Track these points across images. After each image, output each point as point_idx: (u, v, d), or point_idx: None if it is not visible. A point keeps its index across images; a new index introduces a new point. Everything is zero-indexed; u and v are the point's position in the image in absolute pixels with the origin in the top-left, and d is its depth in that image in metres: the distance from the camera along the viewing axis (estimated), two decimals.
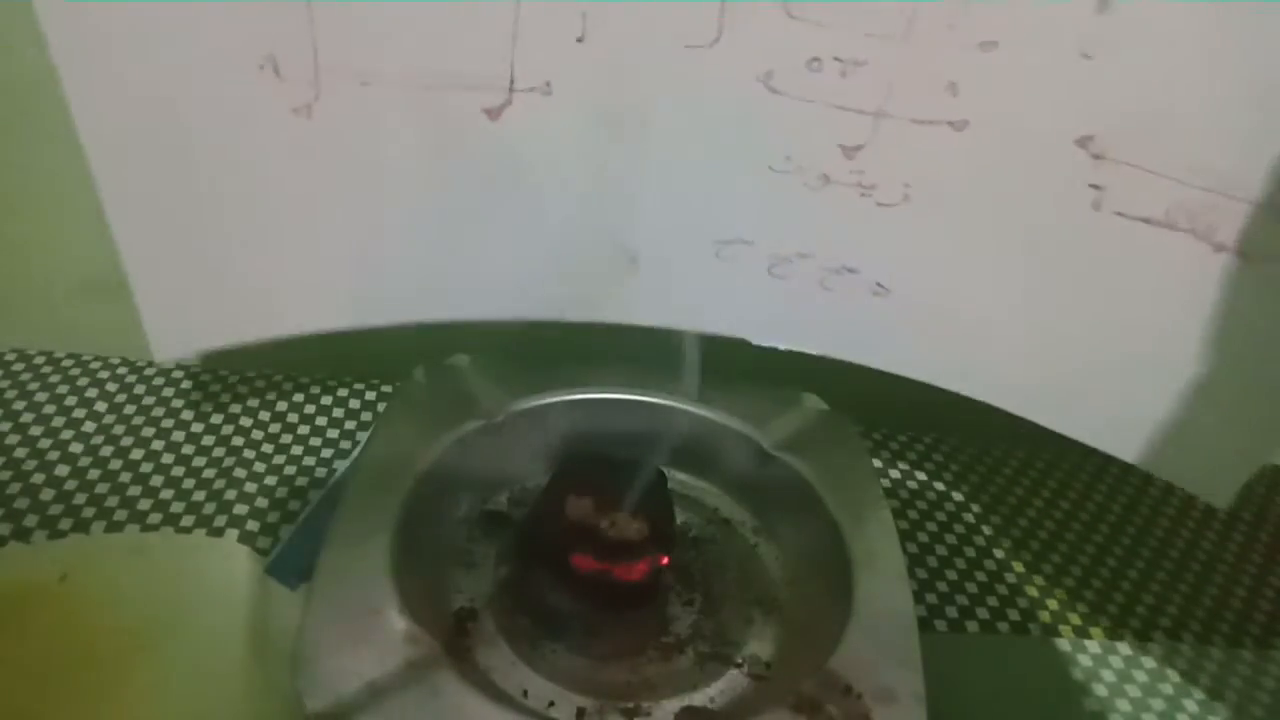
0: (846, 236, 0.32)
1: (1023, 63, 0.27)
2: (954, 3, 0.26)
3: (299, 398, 0.44)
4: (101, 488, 0.37)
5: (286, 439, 0.41)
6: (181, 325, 0.33)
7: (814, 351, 0.34)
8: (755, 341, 0.35)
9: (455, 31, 0.28)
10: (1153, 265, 0.29)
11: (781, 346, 0.34)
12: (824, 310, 0.34)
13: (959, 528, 0.42)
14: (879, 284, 0.33)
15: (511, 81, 0.29)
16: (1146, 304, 0.30)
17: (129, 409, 0.41)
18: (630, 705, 0.31)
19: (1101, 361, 0.32)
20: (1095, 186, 0.29)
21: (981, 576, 0.40)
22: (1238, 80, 0.26)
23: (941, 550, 0.41)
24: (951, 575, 0.40)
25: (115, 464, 0.39)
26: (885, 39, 0.27)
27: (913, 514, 0.43)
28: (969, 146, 0.29)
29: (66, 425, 0.40)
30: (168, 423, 0.41)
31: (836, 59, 0.28)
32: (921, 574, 0.39)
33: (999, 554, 0.41)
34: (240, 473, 0.39)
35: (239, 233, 0.31)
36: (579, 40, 0.28)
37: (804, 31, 0.27)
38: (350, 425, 0.43)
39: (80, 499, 0.37)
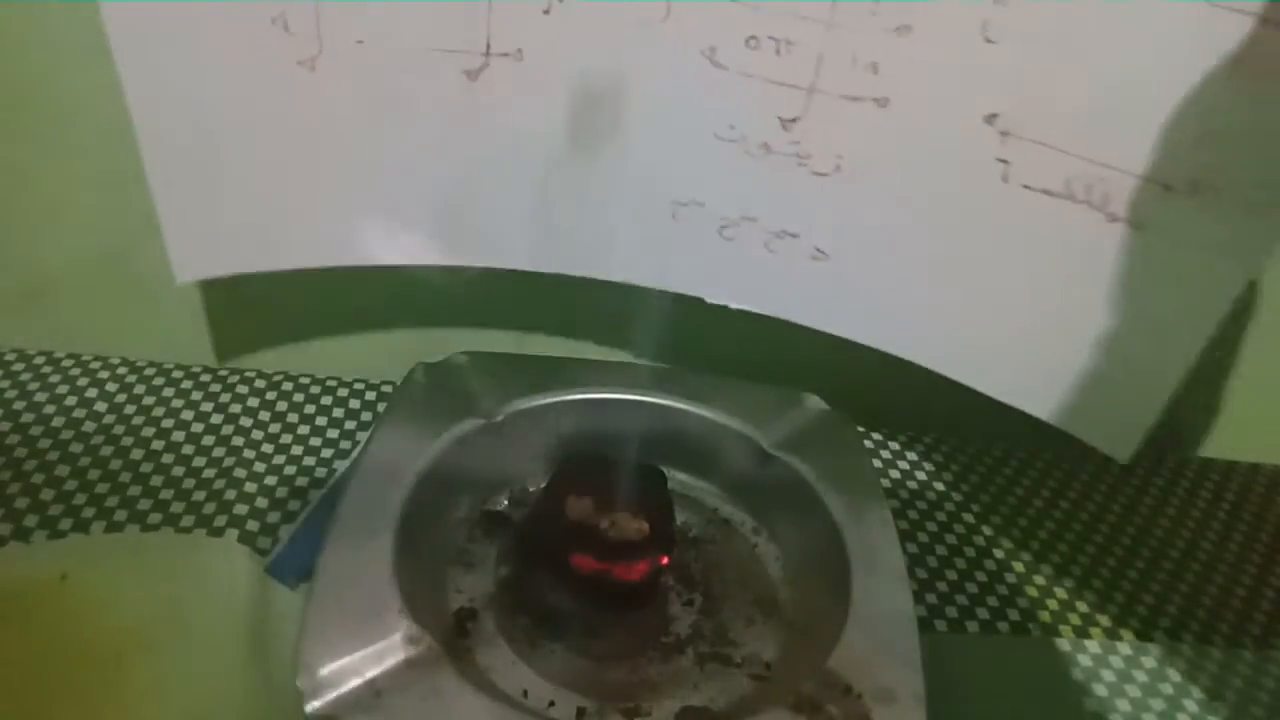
0: (787, 202, 0.35)
1: (934, 46, 0.30)
2: None
3: (299, 398, 0.44)
4: (101, 488, 0.37)
5: (286, 439, 0.41)
6: (200, 250, 0.36)
7: (760, 311, 0.37)
8: (709, 299, 0.37)
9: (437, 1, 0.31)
10: (1055, 233, 0.32)
11: (733, 305, 0.37)
12: (769, 272, 0.36)
13: (959, 528, 0.42)
14: (818, 249, 0.36)
15: (488, 47, 0.32)
16: (1051, 269, 0.33)
17: (129, 409, 0.41)
18: (630, 705, 0.31)
19: (1013, 322, 0.34)
20: (1003, 160, 0.32)
21: (981, 576, 0.40)
22: (1120, 64, 0.28)
23: (941, 550, 0.41)
24: (951, 575, 0.40)
25: (115, 464, 0.39)
26: (813, 21, 0.30)
27: (913, 514, 0.43)
28: (892, 122, 0.32)
29: (66, 425, 0.40)
30: (168, 423, 0.41)
31: (771, 38, 0.30)
32: (921, 574, 0.39)
33: (999, 554, 0.41)
34: (240, 473, 0.39)
35: (251, 169, 0.34)
36: (545, 13, 0.31)
37: (742, 11, 0.30)
38: (350, 425, 0.43)
39: (80, 499, 0.37)
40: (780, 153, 0.33)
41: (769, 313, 0.37)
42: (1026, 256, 0.33)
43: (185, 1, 0.30)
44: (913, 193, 0.34)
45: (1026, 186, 0.32)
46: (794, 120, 0.32)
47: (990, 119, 0.31)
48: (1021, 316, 0.34)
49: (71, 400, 0.42)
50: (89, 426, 0.40)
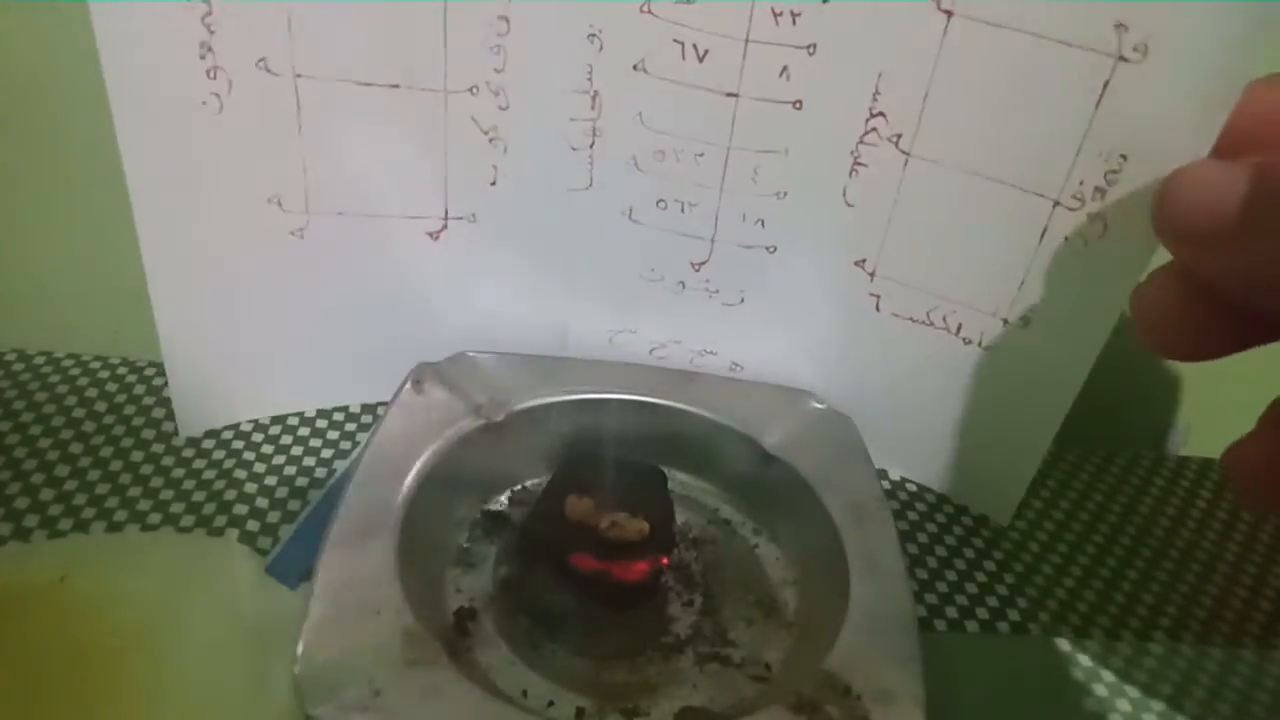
0: (704, 327, 0.42)
1: (807, 207, 0.37)
2: (752, 160, 0.36)
3: None
4: (102, 488, 0.37)
5: (286, 439, 0.41)
6: (201, 409, 0.41)
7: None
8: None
9: (402, 179, 0.38)
10: (920, 350, 0.39)
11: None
12: None
13: (958, 529, 0.42)
14: (734, 362, 0.43)
15: (446, 212, 0.38)
16: (918, 377, 0.40)
17: (129, 409, 0.42)
18: (630, 705, 0.31)
19: (895, 419, 0.42)
20: (874, 295, 0.39)
21: (981, 577, 0.40)
22: (953, 231, 0.36)
23: (941, 550, 0.41)
24: (951, 575, 0.40)
25: (115, 464, 0.39)
26: (709, 188, 0.37)
27: (912, 515, 0.43)
28: (781, 264, 0.39)
29: (66, 425, 0.40)
30: (168, 426, 0.41)
31: (677, 200, 0.37)
32: (921, 574, 0.39)
33: (999, 555, 0.41)
34: (240, 473, 0.39)
35: (250, 329, 0.39)
36: (492, 184, 0.38)
37: (650, 180, 0.37)
38: (350, 426, 0.43)
39: (80, 499, 0.37)
40: (694, 289, 0.40)
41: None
42: (899, 365, 0.40)
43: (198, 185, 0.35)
44: (806, 318, 0.41)
45: (895, 314, 0.39)
46: (703, 263, 0.39)
47: (860, 264, 0.38)
48: (904, 417, 0.42)
49: (71, 400, 0.42)
50: (89, 426, 0.40)
